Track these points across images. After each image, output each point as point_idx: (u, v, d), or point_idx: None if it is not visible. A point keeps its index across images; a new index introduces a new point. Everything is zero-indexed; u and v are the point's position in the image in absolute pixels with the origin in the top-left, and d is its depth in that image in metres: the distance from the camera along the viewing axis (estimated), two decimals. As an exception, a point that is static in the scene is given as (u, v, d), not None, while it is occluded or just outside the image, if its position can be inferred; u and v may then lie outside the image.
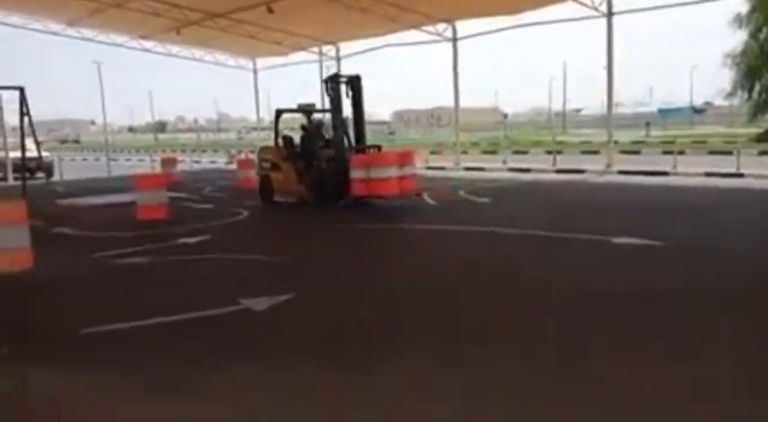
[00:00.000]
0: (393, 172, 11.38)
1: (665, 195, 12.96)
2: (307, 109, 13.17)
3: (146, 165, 28.68)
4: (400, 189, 11.53)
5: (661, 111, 72.81)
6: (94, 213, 12.65)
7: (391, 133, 67.13)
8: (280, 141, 13.38)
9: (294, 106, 13.77)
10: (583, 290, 5.65)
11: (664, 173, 16.23)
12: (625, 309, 5.02)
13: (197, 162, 32.60)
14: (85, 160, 39.79)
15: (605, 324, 4.69)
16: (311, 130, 13.04)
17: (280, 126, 13.58)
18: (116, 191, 15.75)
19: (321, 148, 12.67)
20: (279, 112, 13.56)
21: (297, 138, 13.35)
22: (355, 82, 12.18)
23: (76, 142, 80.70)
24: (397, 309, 5.32)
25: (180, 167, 22.70)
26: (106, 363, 4.23)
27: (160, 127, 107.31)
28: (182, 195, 14.78)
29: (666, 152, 21.44)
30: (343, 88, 12.16)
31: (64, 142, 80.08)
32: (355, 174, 11.42)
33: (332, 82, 12.07)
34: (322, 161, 12.22)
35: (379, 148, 12.71)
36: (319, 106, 14.92)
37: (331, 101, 12.03)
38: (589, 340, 4.35)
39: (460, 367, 3.95)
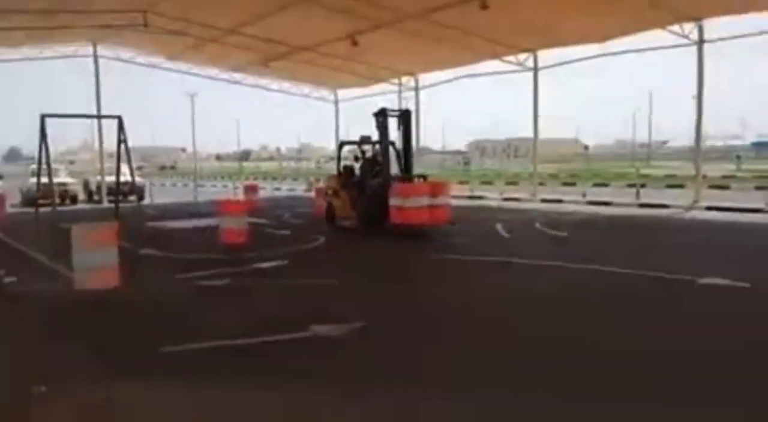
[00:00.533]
0: (424, 201, 11.87)
1: (756, 234, 12.20)
2: (364, 142, 13.73)
3: (230, 191, 29.75)
4: (431, 218, 11.95)
5: (755, 144, 69.16)
6: (179, 236, 13.21)
7: (467, 163, 66.76)
8: (343, 170, 14.26)
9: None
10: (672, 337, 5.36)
11: (757, 210, 15.28)
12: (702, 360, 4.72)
13: (278, 189, 33.56)
14: (174, 185, 41.73)
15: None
16: (366, 160, 13.63)
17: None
18: (201, 215, 16.41)
19: (373, 177, 13.17)
20: (341, 144, 14.67)
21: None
22: (404, 116, 12.81)
23: (173, 168, 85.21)
24: (468, 345, 5.22)
25: (261, 194, 23.39)
26: (182, 381, 4.35)
27: (245, 155, 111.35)
28: (262, 221, 15.20)
29: (759, 187, 20.19)
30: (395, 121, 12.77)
31: (162, 168, 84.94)
32: (393, 202, 12.00)
33: (380, 117, 12.64)
34: (369, 189, 12.81)
35: (425, 177, 13.09)
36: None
37: (379, 134, 12.71)
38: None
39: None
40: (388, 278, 8.43)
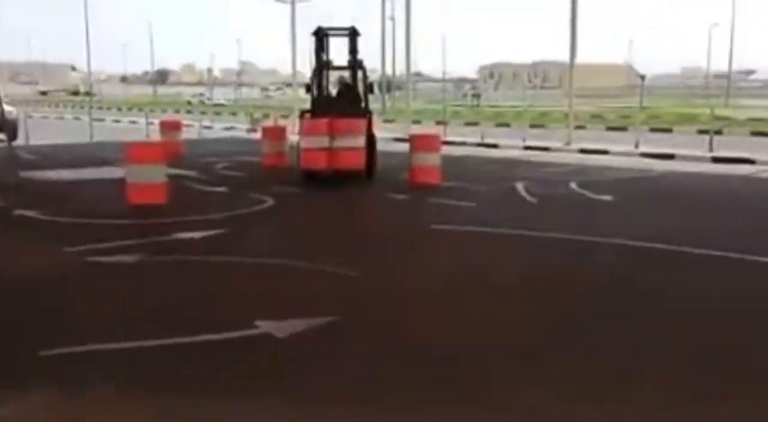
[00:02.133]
0: (323, 142, 12.79)
1: None
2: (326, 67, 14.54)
3: (140, 129, 29.34)
4: (328, 163, 12.82)
5: None
6: (69, 192, 13.04)
7: (476, 96, 65.25)
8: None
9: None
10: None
11: None
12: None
13: (208, 127, 33.19)
14: (61, 118, 41.12)
15: None
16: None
17: None
18: (99, 163, 16.21)
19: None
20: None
21: None
22: (351, 36, 13.95)
23: (88, 94, 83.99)
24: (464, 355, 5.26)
25: (185, 134, 23.10)
26: (65, 393, 4.32)
27: (161, 77, 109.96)
28: (187, 172, 15.08)
29: None
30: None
31: (75, 93, 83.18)
32: (301, 143, 13.34)
33: (317, 37, 13.89)
34: None
35: (370, 114, 14.21)
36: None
37: (315, 58, 14.07)
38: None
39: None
40: (364, 257, 8.39)
